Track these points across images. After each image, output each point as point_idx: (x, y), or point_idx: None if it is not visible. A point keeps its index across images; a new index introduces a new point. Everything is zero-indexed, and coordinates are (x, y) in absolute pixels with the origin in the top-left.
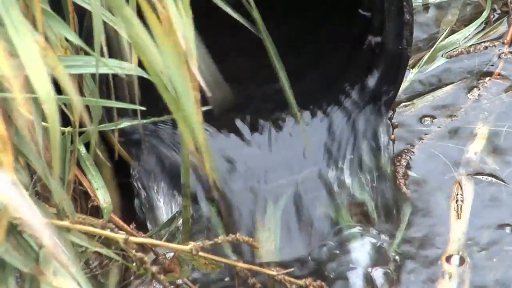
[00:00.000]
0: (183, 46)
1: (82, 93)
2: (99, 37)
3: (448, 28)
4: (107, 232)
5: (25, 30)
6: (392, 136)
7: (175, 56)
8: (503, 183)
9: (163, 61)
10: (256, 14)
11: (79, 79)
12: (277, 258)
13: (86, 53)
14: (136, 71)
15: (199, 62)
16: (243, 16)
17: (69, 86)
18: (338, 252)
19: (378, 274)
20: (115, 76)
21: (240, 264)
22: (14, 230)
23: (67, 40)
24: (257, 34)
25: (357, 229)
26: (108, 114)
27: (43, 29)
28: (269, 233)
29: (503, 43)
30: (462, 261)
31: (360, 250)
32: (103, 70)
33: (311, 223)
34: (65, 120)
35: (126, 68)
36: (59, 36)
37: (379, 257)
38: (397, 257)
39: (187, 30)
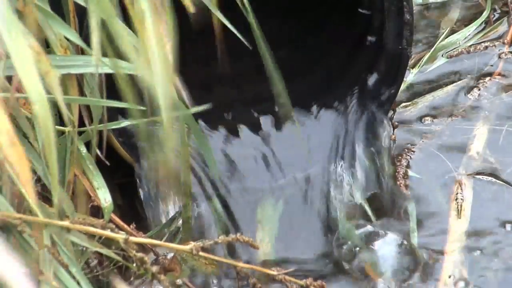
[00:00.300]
0: (170, 60)
1: (83, 93)
2: (98, 37)
3: (448, 28)
4: (107, 232)
5: (17, 32)
6: (392, 136)
7: (163, 65)
8: (503, 182)
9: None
10: (251, 18)
11: (80, 78)
12: (277, 259)
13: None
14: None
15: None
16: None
17: (58, 94)
18: (361, 249)
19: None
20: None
21: (241, 264)
22: (14, 230)
23: (67, 39)
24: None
25: (371, 227)
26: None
27: (38, 32)
28: (265, 234)
29: (503, 43)
30: (462, 260)
31: (386, 246)
32: (103, 69)
33: (314, 223)
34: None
35: (126, 68)
36: (59, 36)
37: (405, 253)
38: (421, 253)
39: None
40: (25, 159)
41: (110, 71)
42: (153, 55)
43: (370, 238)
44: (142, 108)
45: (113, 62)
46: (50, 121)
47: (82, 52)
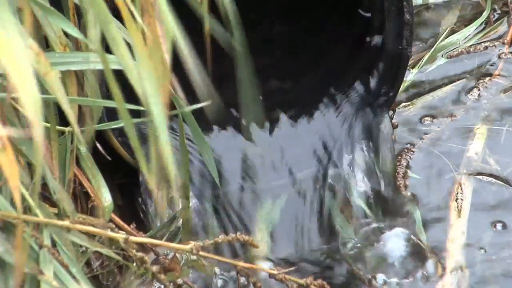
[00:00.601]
0: (167, 61)
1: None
2: (97, 32)
3: (448, 28)
4: (107, 232)
5: (15, 32)
6: (392, 136)
7: (154, 73)
8: (503, 182)
9: (139, 76)
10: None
11: (80, 77)
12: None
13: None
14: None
15: (193, 67)
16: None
17: (60, 95)
18: (367, 245)
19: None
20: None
21: (241, 264)
22: (14, 230)
23: (67, 36)
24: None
25: (376, 224)
26: (109, 114)
27: (38, 30)
28: (264, 234)
29: (503, 43)
30: (462, 259)
31: (393, 239)
32: (101, 66)
33: (315, 224)
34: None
35: (115, 63)
36: (58, 33)
37: (413, 245)
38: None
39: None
40: (15, 165)
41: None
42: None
43: (376, 233)
44: (142, 108)
45: (103, 57)
46: (42, 125)
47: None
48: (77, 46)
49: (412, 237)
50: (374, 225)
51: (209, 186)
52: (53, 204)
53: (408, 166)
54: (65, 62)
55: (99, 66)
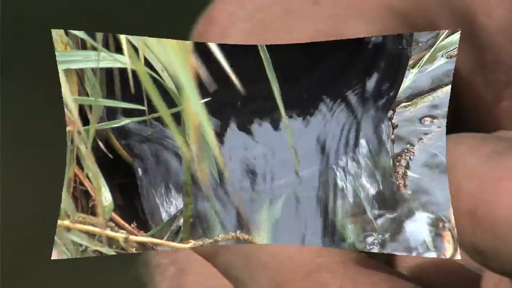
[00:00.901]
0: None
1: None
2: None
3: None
4: (107, 231)
5: None
6: (392, 136)
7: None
8: None
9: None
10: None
11: (81, 74)
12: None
13: None
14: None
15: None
16: None
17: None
18: (389, 234)
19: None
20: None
21: None
22: None
23: (67, 35)
24: None
25: (390, 214)
26: (109, 113)
27: None
28: (264, 233)
29: None
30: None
31: (415, 223)
32: (102, 64)
33: (322, 222)
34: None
35: (127, 63)
36: (59, 32)
37: (436, 229)
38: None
39: None
40: None
41: (110, 65)
42: None
43: (394, 222)
44: (142, 108)
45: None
46: None
47: (82, 47)
48: (77, 44)
49: (435, 219)
50: (390, 215)
51: (210, 184)
52: None
53: (407, 167)
54: (65, 61)
55: (101, 65)
